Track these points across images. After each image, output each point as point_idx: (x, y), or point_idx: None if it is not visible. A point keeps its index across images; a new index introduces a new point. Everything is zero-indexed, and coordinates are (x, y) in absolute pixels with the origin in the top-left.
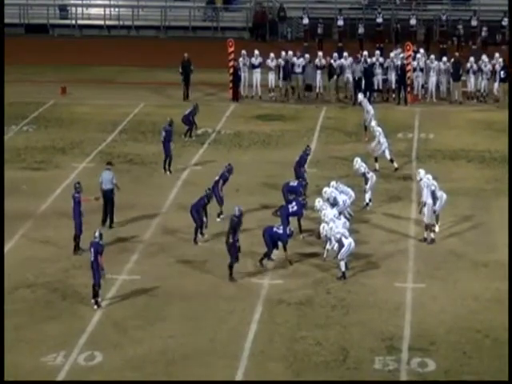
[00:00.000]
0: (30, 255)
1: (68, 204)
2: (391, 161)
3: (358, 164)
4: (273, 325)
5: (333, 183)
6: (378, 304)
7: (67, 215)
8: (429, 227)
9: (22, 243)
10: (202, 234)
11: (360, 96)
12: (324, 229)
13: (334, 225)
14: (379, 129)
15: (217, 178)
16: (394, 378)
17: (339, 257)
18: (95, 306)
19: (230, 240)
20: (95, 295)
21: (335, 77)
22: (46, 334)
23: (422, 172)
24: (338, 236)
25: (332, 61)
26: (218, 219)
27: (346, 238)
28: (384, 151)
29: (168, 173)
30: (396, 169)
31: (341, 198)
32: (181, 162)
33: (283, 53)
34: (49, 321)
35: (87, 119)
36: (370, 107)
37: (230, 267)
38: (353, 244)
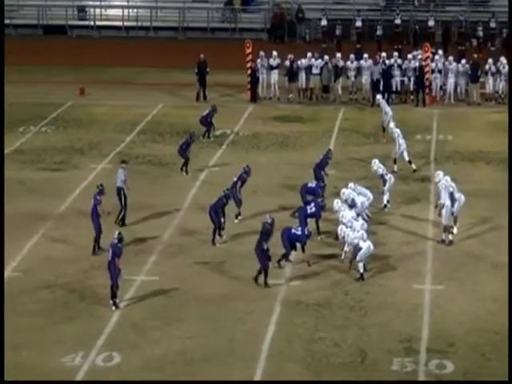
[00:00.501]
0: (49, 256)
1: (87, 205)
2: (409, 162)
3: (376, 165)
4: (291, 326)
5: (351, 185)
6: (396, 305)
7: (86, 216)
8: (447, 229)
9: (41, 243)
10: (220, 235)
11: (378, 97)
12: (342, 230)
13: (350, 230)
14: (398, 130)
15: (235, 179)
16: (412, 379)
17: (358, 258)
18: (113, 307)
19: (264, 247)
20: (113, 296)
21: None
22: (65, 335)
23: (440, 174)
24: (356, 241)
25: (348, 62)
26: (236, 220)
27: (365, 240)
28: (402, 152)
29: (185, 174)
30: (414, 170)
31: (359, 200)
32: (199, 163)
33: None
34: (67, 321)
35: (105, 120)
36: (388, 108)
37: (259, 273)
38: (372, 246)
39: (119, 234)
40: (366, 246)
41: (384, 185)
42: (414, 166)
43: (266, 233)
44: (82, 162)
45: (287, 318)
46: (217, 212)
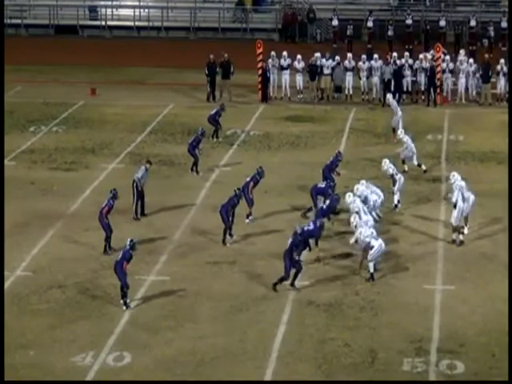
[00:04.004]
0: (61, 255)
1: (98, 204)
2: (419, 165)
3: (387, 165)
4: (302, 326)
5: (363, 181)
6: (407, 306)
7: (96, 216)
8: (457, 229)
9: (52, 243)
10: (230, 235)
11: (388, 96)
12: (355, 219)
13: (363, 225)
14: (406, 136)
15: (248, 179)
16: (423, 379)
17: (369, 257)
18: (124, 307)
19: (295, 257)
20: (124, 296)
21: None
22: (76, 334)
23: (456, 175)
24: (367, 240)
25: (360, 62)
26: (247, 220)
27: (376, 239)
28: (411, 157)
29: (195, 174)
30: (425, 171)
31: (372, 198)
32: (210, 162)
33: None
34: (78, 321)
35: (117, 120)
36: (398, 109)
37: (281, 280)
38: (383, 245)
39: (131, 241)
40: (377, 244)
41: (394, 185)
42: (424, 167)
43: (296, 244)
44: (93, 162)
45: (298, 319)
46: (227, 212)
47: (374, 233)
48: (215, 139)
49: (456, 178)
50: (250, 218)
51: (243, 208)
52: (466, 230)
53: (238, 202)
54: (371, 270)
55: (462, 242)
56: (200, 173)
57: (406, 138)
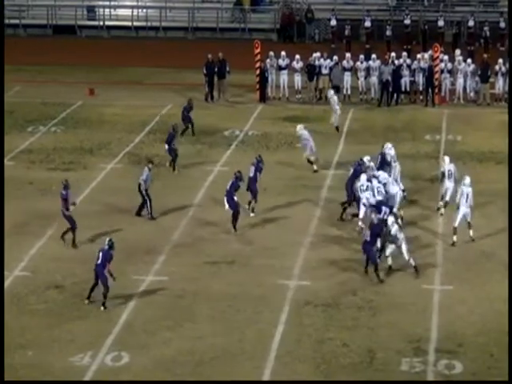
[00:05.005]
0: (59, 256)
1: (96, 205)
2: (310, 162)
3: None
4: (300, 326)
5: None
6: (405, 306)
7: (95, 216)
8: (456, 232)
9: (50, 243)
10: (234, 227)
11: (331, 92)
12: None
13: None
14: (305, 132)
15: (252, 172)
16: (421, 379)
17: (407, 258)
18: (102, 308)
19: (377, 247)
20: (104, 297)
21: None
22: (74, 335)
23: (467, 179)
24: (394, 233)
25: (358, 62)
26: (252, 214)
27: (400, 233)
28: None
29: (173, 171)
30: (315, 171)
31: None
32: (208, 162)
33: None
34: (76, 321)
35: (115, 120)
36: (337, 107)
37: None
38: (404, 239)
39: (110, 240)
40: (401, 238)
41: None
42: (315, 167)
43: (377, 233)
44: (92, 162)
45: (296, 319)
46: (233, 197)
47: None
48: (188, 135)
49: (466, 182)
50: (255, 211)
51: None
52: (471, 233)
53: (240, 186)
54: (413, 263)
55: (473, 240)
56: (176, 170)
57: (306, 135)
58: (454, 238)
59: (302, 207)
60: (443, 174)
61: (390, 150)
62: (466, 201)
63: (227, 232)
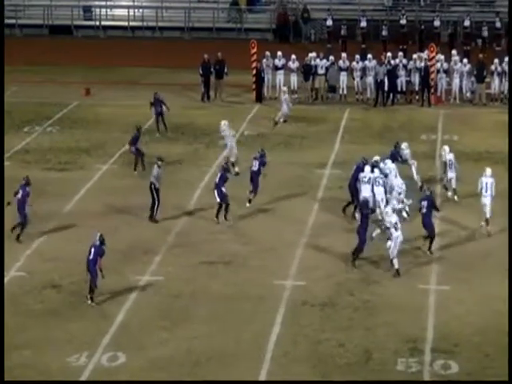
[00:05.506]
0: (55, 256)
1: (92, 205)
2: (232, 165)
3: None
4: (296, 326)
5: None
6: (402, 306)
7: (92, 215)
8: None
9: (47, 243)
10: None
11: (284, 89)
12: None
13: (390, 211)
14: (231, 132)
15: (255, 166)
16: (417, 379)
17: (391, 256)
18: (89, 301)
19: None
20: (91, 291)
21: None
22: (70, 335)
23: (488, 170)
24: (389, 225)
25: (354, 63)
26: (248, 205)
27: (396, 230)
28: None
29: (141, 169)
30: (237, 173)
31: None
32: (204, 163)
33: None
34: (73, 321)
35: (111, 120)
36: (285, 108)
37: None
38: (401, 237)
39: (101, 235)
40: (395, 236)
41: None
42: (236, 169)
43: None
44: (88, 162)
45: (292, 319)
46: (221, 190)
47: (398, 224)
48: (138, 169)
49: (486, 174)
50: (250, 203)
51: (237, 208)
52: (488, 228)
53: (228, 178)
54: (396, 266)
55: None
56: (139, 169)
57: (230, 138)
58: (488, 228)
59: (299, 207)
60: (445, 164)
61: (405, 150)
62: (486, 191)
63: (224, 232)
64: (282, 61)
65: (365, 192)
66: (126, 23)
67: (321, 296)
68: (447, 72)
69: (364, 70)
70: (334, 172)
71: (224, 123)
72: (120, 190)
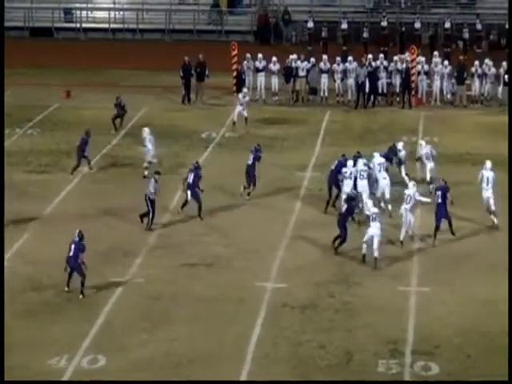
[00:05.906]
0: (36, 258)
1: (73, 207)
2: (149, 163)
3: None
4: (277, 328)
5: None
6: (382, 308)
7: (73, 218)
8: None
9: (28, 245)
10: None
11: (242, 93)
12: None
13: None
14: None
15: (250, 160)
16: (398, 380)
17: (375, 254)
18: (80, 296)
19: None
20: (82, 285)
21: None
22: (51, 337)
23: (488, 163)
24: (368, 213)
25: (335, 65)
26: (248, 197)
27: (376, 221)
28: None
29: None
30: (157, 172)
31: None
32: (185, 165)
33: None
34: (53, 323)
35: (91, 122)
36: (241, 107)
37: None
38: (380, 229)
39: (79, 231)
40: (370, 232)
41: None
42: (145, 173)
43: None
44: (69, 165)
45: (273, 321)
46: (195, 188)
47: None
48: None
49: (486, 167)
50: (249, 195)
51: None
52: (495, 221)
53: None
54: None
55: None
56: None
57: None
58: (495, 220)
59: (280, 209)
60: (420, 158)
61: (402, 151)
62: (487, 184)
63: (207, 234)
64: (263, 63)
65: (346, 187)
66: (106, 25)
67: (301, 298)
68: (428, 74)
69: (345, 72)
70: (314, 174)
71: (145, 130)
72: (101, 193)
